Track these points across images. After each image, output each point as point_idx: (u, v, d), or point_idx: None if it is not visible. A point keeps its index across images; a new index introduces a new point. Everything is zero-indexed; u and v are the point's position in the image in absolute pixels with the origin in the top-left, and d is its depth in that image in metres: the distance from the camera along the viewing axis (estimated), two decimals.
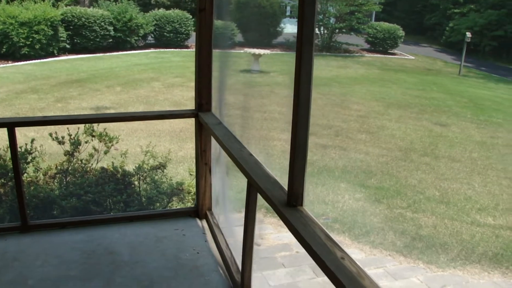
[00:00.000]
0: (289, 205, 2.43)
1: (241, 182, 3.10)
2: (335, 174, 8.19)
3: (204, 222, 4.58)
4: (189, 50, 21.19)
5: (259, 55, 17.16)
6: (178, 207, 5.55)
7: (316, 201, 6.93)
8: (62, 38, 18.52)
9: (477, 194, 8.15)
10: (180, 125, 10.36)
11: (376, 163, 9.06)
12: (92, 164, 5.56)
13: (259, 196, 2.85)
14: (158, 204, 6.01)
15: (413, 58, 25.18)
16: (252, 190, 2.95)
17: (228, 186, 4.27)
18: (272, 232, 5.95)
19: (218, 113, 4.12)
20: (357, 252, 5.76)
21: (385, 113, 13.18)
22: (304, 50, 2.18)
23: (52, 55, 18.14)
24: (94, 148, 5.49)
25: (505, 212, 7.51)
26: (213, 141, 4.12)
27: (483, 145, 11.42)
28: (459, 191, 8.14)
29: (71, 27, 18.91)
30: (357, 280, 1.81)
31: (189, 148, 8.62)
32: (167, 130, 10.23)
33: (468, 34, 22.33)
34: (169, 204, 6.01)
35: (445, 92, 17.10)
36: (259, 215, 6.22)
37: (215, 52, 4.06)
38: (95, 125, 5.41)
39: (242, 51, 17.80)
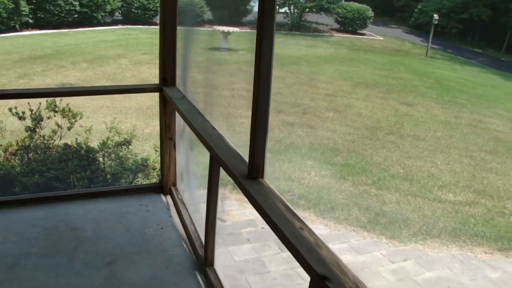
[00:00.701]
0: (250, 178, 2.43)
1: (206, 157, 3.08)
2: (302, 152, 8.24)
3: (169, 198, 4.56)
4: (157, 27, 20.72)
5: (228, 33, 17.01)
6: (143, 183, 5.50)
7: (283, 178, 6.98)
8: (24, 12, 17.91)
9: (439, 171, 8.34)
10: (147, 102, 10.24)
11: (342, 141, 9.15)
12: (55, 141, 5.46)
13: (223, 172, 2.84)
14: (123, 181, 5.96)
15: (382, 39, 25.35)
16: (215, 163, 2.94)
17: (193, 161, 4.25)
18: (238, 208, 5.98)
19: (183, 88, 4.08)
20: (322, 228, 5.84)
21: (352, 92, 13.28)
22: (265, 23, 2.16)
23: (13, 29, 17.54)
24: (57, 124, 5.38)
25: (465, 189, 7.71)
26: (178, 116, 4.08)
27: (446, 125, 11.65)
28: (423, 169, 8.31)
29: (34, 1, 18.30)
30: (315, 250, 1.83)
31: (156, 125, 8.53)
32: (134, 107, 10.10)
33: (436, 16, 22.57)
34: (135, 181, 5.97)
35: (412, 73, 17.31)
36: (225, 192, 6.25)
37: (183, 29, 3.99)
38: (57, 100, 5.29)
39: (211, 29, 17.62)
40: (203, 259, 3.46)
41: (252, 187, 2.34)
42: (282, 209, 2.13)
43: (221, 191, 6.81)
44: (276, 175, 7.05)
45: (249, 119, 2.38)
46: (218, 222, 6.35)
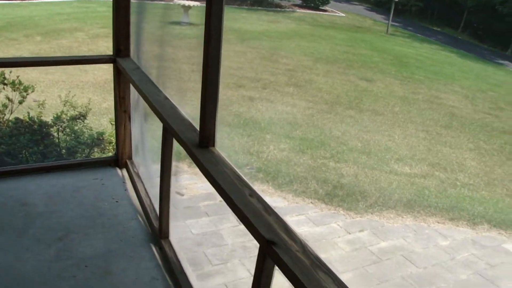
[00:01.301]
0: (201, 146, 2.40)
1: (160, 129, 3.03)
2: (261, 126, 8.24)
3: (124, 171, 4.49)
4: None
5: (189, 7, 16.73)
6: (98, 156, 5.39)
7: (241, 152, 6.97)
8: None
9: (396, 145, 8.49)
10: (104, 76, 10.01)
11: (302, 116, 9.19)
12: (5, 115, 5.28)
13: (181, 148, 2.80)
14: (78, 155, 5.84)
15: (344, 15, 25.43)
16: (167, 134, 2.89)
17: (147, 134, 4.18)
18: (196, 182, 5.95)
19: (137, 60, 3.99)
20: (280, 201, 5.88)
21: (313, 68, 13.32)
22: None
23: None
24: (8, 98, 5.20)
25: (421, 162, 7.89)
26: (132, 88, 4.00)
27: (405, 100, 11.84)
28: (380, 143, 8.45)
29: None
30: (263, 216, 1.83)
31: (113, 100, 8.37)
32: (91, 82, 9.86)
33: None
34: (91, 155, 5.86)
35: (372, 49, 17.47)
36: (183, 166, 6.20)
37: (139, 2, 3.89)
38: (7, 72, 5.09)
39: (171, 3, 17.28)
40: (158, 231, 3.43)
41: (203, 156, 2.31)
42: (232, 177, 2.11)
43: (179, 165, 6.79)
44: (235, 148, 7.03)
45: None
46: (176, 196, 6.32)
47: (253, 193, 1.96)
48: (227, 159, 2.31)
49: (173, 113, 2.90)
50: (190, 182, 6.03)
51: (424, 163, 7.87)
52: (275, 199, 5.88)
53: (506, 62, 23.91)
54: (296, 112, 9.34)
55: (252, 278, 1.85)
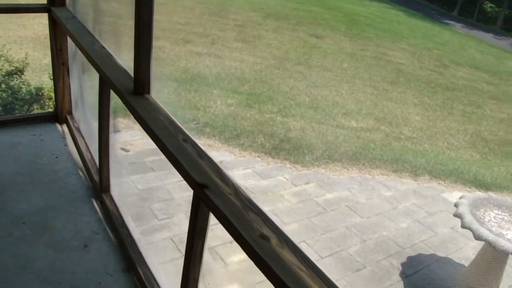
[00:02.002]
0: (136, 93, 2.32)
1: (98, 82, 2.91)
2: (209, 81, 8.12)
3: (65, 127, 4.34)
4: None
5: None
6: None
7: (188, 107, 6.86)
8: None
9: (344, 100, 8.58)
10: (45, 31, 9.53)
11: (250, 71, 9.11)
12: None
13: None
14: (17, 112, 5.61)
15: None
16: (104, 84, 2.78)
17: (86, 87, 4.03)
18: (141, 138, 5.83)
19: (72, 8, 3.79)
20: (227, 155, 5.85)
21: (263, 24, 13.17)
22: None
23: None
24: None
25: (367, 116, 8.01)
26: (70, 39, 3.81)
27: (353, 57, 11.93)
28: (328, 98, 8.51)
29: None
30: (196, 160, 1.79)
31: None
32: (30, 37, 9.40)
33: None
34: (30, 112, 5.64)
35: (323, 7, 17.41)
36: (128, 122, 6.06)
37: None
38: None
39: None
40: (98, 186, 3.36)
41: (137, 102, 2.24)
42: (165, 122, 2.05)
43: (124, 121, 6.61)
44: (182, 104, 6.92)
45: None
46: (121, 152, 6.20)
47: (187, 139, 1.91)
48: (162, 106, 2.24)
49: (110, 62, 2.78)
50: (135, 138, 5.91)
51: (370, 118, 8.00)
52: (222, 153, 5.85)
53: (452, 22, 24.42)
54: (245, 68, 9.24)
55: None
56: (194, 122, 6.41)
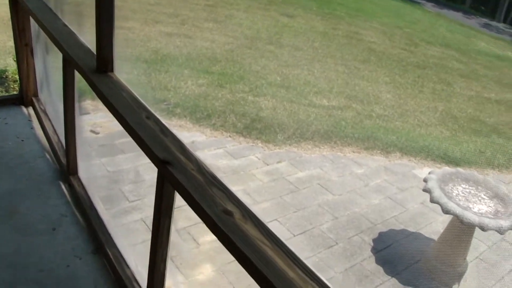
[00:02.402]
0: (99, 72, 2.26)
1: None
2: (179, 62, 8.01)
3: (30, 109, 4.25)
4: None
5: None
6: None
7: (158, 88, 6.76)
8: None
9: (315, 79, 8.58)
10: (8, 12, 9.26)
11: (221, 51, 9.02)
12: None
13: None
14: None
15: None
16: (67, 64, 2.71)
17: (51, 68, 3.93)
18: (111, 120, 5.72)
19: None
20: (198, 135, 5.81)
21: (233, 3, 13.03)
22: None
23: None
24: None
25: (339, 95, 8.03)
26: (32, 18, 3.70)
27: (325, 36, 11.91)
28: (300, 77, 8.49)
29: None
30: (159, 137, 1.76)
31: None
32: None
33: None
34: None
35: None
36: (97, 104, 5.94)
37: None
38: None
39: None
40: (66, 168, 3.30)
41: (100, 81, 2.18)
42: (129, 100, 2.01)
43: (93, 103, 6.49)
44: (152, 85, 6.81)
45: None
46: (91, 135, 6.09)
47: (150, 115, 1.88)
48: (125, 83, 2.20)
49: (73, 40, 2.71)
50: (105, 120, 5.80)
51: (342, 96, 8.02)
52: (193, 134, 5.80)
53: (422, 1, 24.61)
54: (216, 48, 9.15)
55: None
56: (165, 103, 6.33)
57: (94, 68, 2.31)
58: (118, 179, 4.85)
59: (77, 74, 2.67)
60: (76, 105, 2.99)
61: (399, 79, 9.91)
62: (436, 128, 7.73)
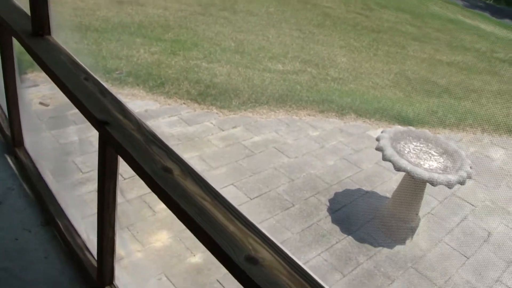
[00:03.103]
0: (35, 35, 2.16)
1: None
2: (131, 30, 7.80)
3: None
4: None
5: None
6: None
7: (110, 57, 6.58)
8: None
9: (270, 44, 8.52)
10: None
11: (174, 18, 8.83)
12: None
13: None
14: None
15: None
16: (2, 29, 2.58)
17: None
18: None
19: None
20: (152, 103, 5.71)
21: None
22: None
23: None
24: None
25: (293, 59, 8.02)
26: None
27: (279, 1, 11.81)
28: (254, 42, 8.42)
29: None
30: (98, 97, 1.70)
31: None
32: None
33: None
34: None
35: None
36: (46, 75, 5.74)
37: None
38: None
39: None
40: (11, 140, 3.18)
41: (36, 44, 2.09)
42: (67, 63, 1.93)
43: (42, 74, 6.27)
44: (103, 54, 6.63)
45: None
46: (40, 107, 5.90)
47: (89, 77, 1.81)
48: (63, 46, 2.11)
49: (5, 3, 2.58)
50: (55, 91, 5.62)
51: (297, 60, 8.01)
52: (147, 102, 5.70)
53: None
54: (169, 15, 8.94)
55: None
56: (117, 72, 6.18)
57: (29, 32, 2.21)
58: (71, 151, 4.74)
59: (16, 41, 2.56)
60: (17, 73, 2.87)
61: (354, 42, 9.96)
62: (390, 90, 7.84)
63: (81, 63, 1.96)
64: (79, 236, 2.54)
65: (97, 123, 1.58)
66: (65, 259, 2.47)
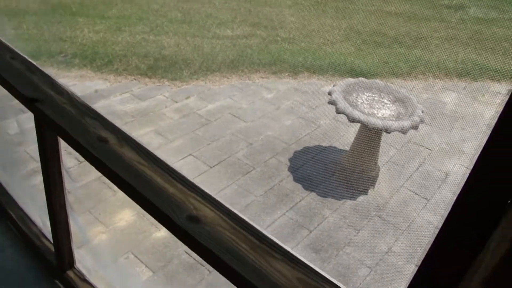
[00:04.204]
0: None
1: None
2: (72, 10, 7.54)
3: None
4: None
5: None
6: None
7: (52, 40, 6.36)
8: None
9: (217, 11, 8.38)
10: None
11: None
12: None
13: None
14: None
15: None
16: None
17: None
18: None
19: None
20: (101, 83, 5.57)
21: None
22: None
23: None
24: None
25: (242, 24, 7.92)
26: None
27: None
28: (201, 10, 8.27)
29: None
30: (26, 75, 1.64)
31: None
32: None
33: None
34: None
35: None
36: None
37: None
38: None
39: None
40: None
41: None
42: None
43: None
44: (45, 37, 6.39)
45: None
46: None
47: (16, 56, 1.73)
48: None
49: None
50: None
51: (246, 24, 7.92)
52: (96, 82, 5.56)
53: None
54: None
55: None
56: (62, 55, 5.99)
57: None
58: (22, 141, 4.61)
59: None
60: None
61: (302, 1, 9.89)
62: (341, 45, 7.86)
63: (7, 42, 1.88)
64: (35, 224, 2.49)
65: (26, 101, 1.52)
66: (23, 248, 2.43)
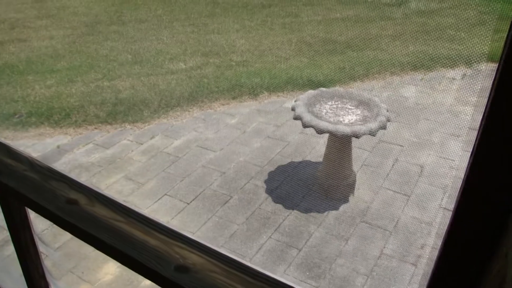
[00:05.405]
0: None
1: None
2: (20, 69, 7.39)
3: None
4: None
5: None
6: None
7: (4, 102, 6.21)
8: None
9: (166, 46, 8.36)
10: None
11: (63, 45, 8.45)
12: None
13: None
14: None
15: None
16: None
17: None
18: None
19: None
20: (62, 138, 5.45)
21: None
22: None
23: None
24: None
25: (194, 55, 7.92)
26: None
27: (165, 2, 11.61)
28: (150, 48, 8.23)
29: None
30: None
31: None
32: None
33: None
34: None
35: None
36: None
37: None
38: None
39: None
40: None
41: None
42: None
43: None
44: None
45: None
46: None
47: None
48: None
49: None
50: None
51: (197, 55, 7.91)
52: (57, 138, 5.43)
53: None
54: (56, 44, 8.55)
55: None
56: (16, 116, 5.84)
57: None
58: None
59: None
60: None
61: (249, 23, 9.97)
62: (295, 59, 7.92)
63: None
64: None
65: None
66: None
